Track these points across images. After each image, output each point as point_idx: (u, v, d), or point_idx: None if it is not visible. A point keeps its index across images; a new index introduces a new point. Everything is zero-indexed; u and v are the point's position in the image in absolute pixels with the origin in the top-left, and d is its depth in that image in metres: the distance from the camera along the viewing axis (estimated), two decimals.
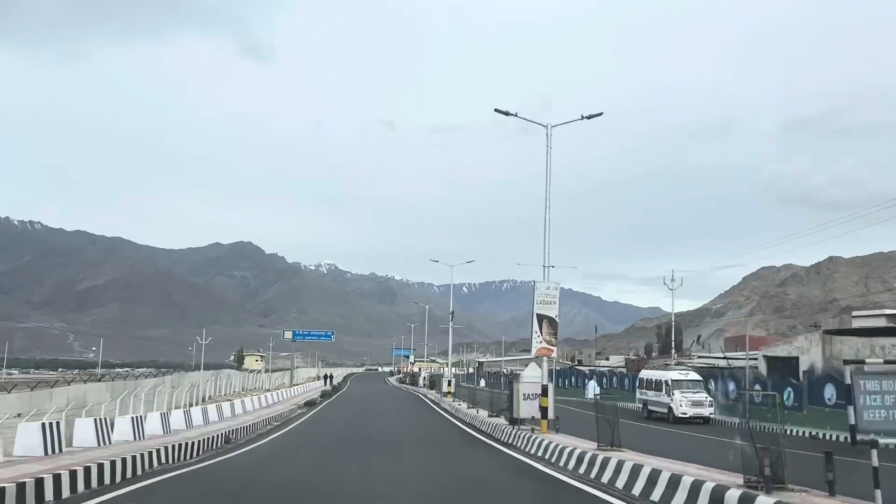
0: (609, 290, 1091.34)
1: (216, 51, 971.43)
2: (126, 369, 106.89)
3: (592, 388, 43.53)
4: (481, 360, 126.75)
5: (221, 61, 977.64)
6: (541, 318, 20.43)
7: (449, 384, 44.76)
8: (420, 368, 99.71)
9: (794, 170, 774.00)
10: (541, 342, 20.33)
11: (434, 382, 67.15)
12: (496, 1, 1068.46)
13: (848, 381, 8.29)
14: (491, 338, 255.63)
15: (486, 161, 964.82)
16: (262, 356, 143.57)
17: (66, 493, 10.94)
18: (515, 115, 21.99)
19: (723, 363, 43.95)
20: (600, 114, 21.89)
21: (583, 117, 21.81)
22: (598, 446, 14.70)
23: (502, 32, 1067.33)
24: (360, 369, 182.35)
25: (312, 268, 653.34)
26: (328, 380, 77.54)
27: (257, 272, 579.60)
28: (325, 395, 53.60)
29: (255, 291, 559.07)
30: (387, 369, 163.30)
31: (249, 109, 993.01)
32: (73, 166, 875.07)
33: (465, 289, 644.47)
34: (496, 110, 22.02)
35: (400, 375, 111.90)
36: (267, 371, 71.77)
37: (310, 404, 40.67)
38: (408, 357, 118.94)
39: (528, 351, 25.27)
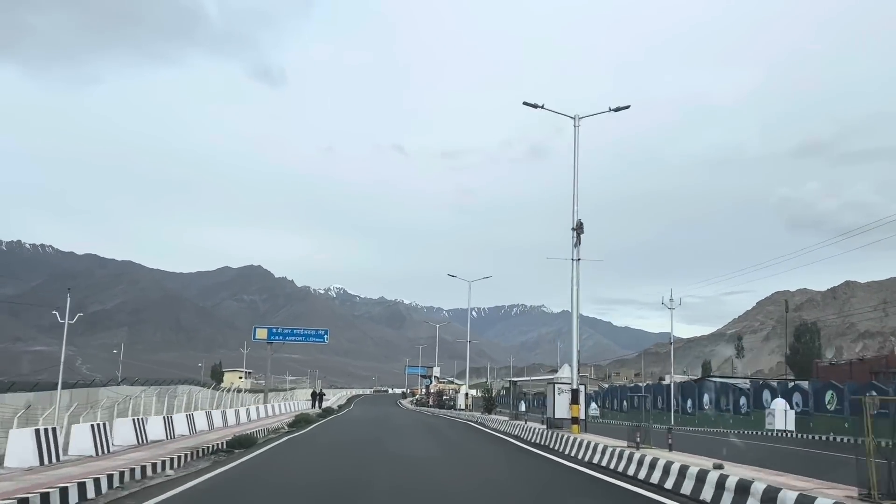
0: (620, 315, 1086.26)
1: (227, 75, 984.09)
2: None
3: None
4: (516, 379, 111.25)
5: (232, 85, 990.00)
6: None
7: (574, 398, 22.63)
8: (439, 388, 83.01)
9: (806, 194, 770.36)
10: None
11: (492, 404, 45.92)
12: (506, 25, 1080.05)
13: None
14: (501, 363, 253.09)
15: (495, 185, 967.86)
16: (247, 373, 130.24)
17: None
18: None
19: None
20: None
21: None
22: None
23: (511, 56, 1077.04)
24: (368, 391, 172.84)
25: (322, 292, 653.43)
26: (317, 399, 61.72)
27: (266, 296, 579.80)
28: (298, 422, 33.07)
29: (264, 315, 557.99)
30: (398, 391, 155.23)
31: (260, 133, 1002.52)
32: (85, 190, 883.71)
33: (474, 313, 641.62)
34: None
35: (417, 397, 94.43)
36: (239, 390, 48.94)
37: (236, 447, 19.50)
38: (425, 375, 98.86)
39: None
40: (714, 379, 51.86)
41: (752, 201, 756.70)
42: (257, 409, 38.90)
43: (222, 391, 36.54)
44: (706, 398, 43.83)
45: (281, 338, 59.77)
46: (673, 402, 46.92)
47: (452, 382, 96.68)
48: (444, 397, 71.48)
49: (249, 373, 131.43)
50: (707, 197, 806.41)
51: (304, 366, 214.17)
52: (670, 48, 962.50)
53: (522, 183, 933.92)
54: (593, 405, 57.24)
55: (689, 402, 46.03)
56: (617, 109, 22.98)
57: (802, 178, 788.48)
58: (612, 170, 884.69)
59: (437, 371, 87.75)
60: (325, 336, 64.01)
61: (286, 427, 30.58)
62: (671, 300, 45.71)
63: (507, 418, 35.32)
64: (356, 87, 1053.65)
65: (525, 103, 22.92)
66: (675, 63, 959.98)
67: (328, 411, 50.98)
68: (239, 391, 42.69)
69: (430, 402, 74.49)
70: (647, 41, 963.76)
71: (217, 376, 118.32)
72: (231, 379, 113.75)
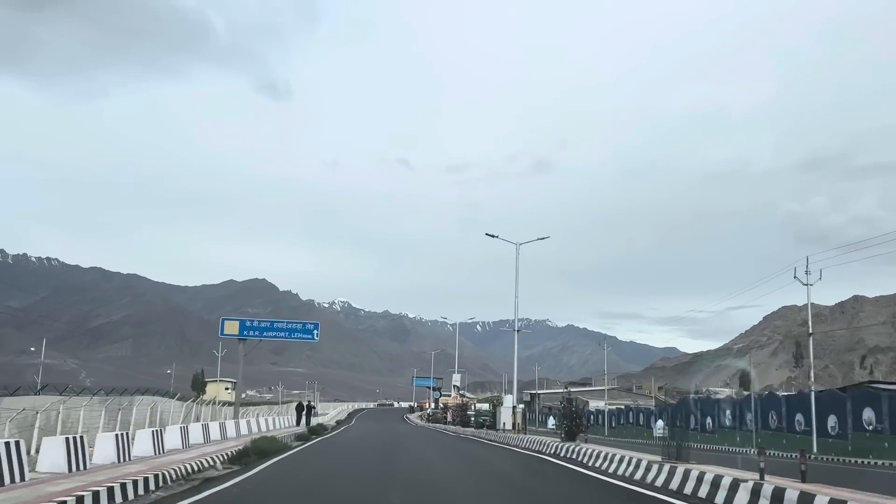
0: (624, 330, 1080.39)
1: (233, 89, 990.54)
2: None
3: None
4: (534, 392, 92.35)
5: (238, 100, 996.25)
6: None
7: None
8: (463, 401, 71.00)
9: (812, 208, 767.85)
10: None
11: (578, 426, 25.78)
12: (511, 39, 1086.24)
13: None
14: (506, 377, 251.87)
15: (500, 198, 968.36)
16: (233, 383, 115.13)
17: None
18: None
19: None
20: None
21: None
22: None
23: (517, 71, 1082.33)
24: (372, 404, 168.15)
25: (326, 305, 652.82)
26: (305, 414, 48.45)
27: (271, 309, 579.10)
28: (246, 455, 19.65)
29: None
30: (404, 404, 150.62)
31: (265, 147, 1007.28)
32: (91, 203, 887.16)
33: (478, 327, 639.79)
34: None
35: (429, 411, 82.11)
36: (212, 402, 40.71)
37: None
38: (435, 387, 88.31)
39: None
40: (883, 386, 35.53)
41: (759, 215, 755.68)
42: (182, 428, 23.54)
43: (197, 403, 31.12)
44: (866, 415, 29.21)
45: (257, 333, 43.72)
46: (815, 420, 32.09)
47: (464, 396, 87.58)
48: (469, 412, 59.00)
49: (236, 383, 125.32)
50: (713, 210, 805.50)
51: (306, 379, 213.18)
52: (675, 58, 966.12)
53: (527, 196, 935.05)
54: (660, 423, 40.93)
55: (833, 421, 31.14)
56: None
57: (809, 192, 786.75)
58: (621, 188, 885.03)
59: (456, 379, 74.35)
60: (315, 332, 47.88)
61: (218, 463, 17.49)
62: (807, 273, 33.21)
63: (625, 452, 18.67)
64: (361, 102, 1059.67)
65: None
66: (682, 74, 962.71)
67: (316, 430, 40.00)
68: (209, 403, 36.55)
69: (449, 419, 62.35)
70: (653, 69, 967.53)
71: (199, 386, 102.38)
72: (216, 390, 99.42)
